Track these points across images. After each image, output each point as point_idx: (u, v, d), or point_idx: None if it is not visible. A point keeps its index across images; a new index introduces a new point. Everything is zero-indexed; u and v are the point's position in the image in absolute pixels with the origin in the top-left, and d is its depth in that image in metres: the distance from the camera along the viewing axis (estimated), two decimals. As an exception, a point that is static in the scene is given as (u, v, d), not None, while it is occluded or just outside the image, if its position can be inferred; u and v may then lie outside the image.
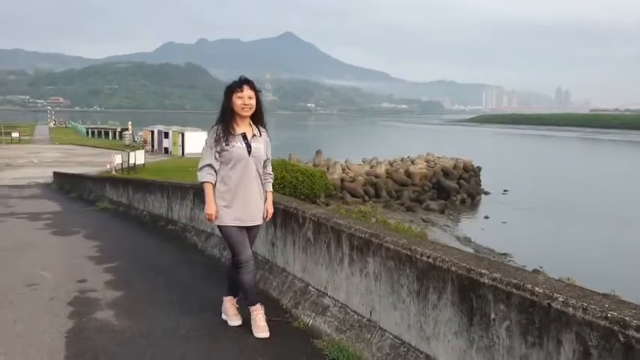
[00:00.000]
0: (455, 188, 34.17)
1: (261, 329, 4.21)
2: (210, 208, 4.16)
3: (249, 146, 4.16)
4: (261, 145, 4.26)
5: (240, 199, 4.18)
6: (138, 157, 33.62)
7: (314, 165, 34.10)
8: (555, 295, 2.50)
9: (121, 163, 32.29)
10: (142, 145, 48.00)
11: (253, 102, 4.17)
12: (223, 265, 6.35)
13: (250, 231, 4.35)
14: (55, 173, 26.56)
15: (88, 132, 75.85)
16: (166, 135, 48.93)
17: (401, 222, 18.71)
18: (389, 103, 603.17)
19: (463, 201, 32.65)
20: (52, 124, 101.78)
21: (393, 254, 3.61)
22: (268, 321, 4.41)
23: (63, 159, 38.58)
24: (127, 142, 55.14)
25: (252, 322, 4.26)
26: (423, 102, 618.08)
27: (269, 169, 4.41)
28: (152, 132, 51.07)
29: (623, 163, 57.04)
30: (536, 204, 30.17)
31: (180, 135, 47.12)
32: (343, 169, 35.73)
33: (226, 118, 4.15)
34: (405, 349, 3.48)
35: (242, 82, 4.14)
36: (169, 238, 8.42)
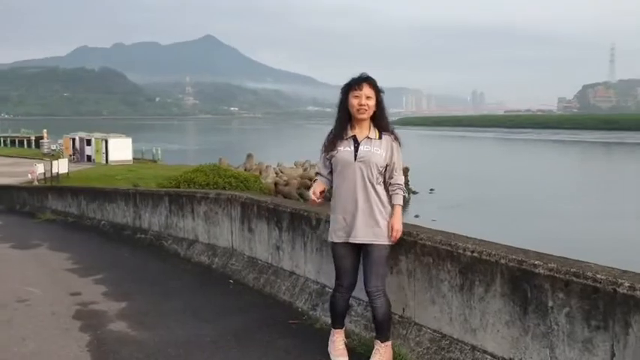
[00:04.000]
0: (385, 189, 35.00)
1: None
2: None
3: (357, 150, 3.61)
4: (379, 149, 3.60)
5: (342, 210, 3.65)
6: (61, 166, 32.28)
7: (245, 169, 33.89)
8: (620, 280, 2.73)
9: (44, 173, 30.89)
10: (69, 154, 45.89)
11: (372, 103, 3.60)
12: (216, 272, 6.31)
13: (365, 252, 3.67)
14: (-30, 186, 24.88)
15: (0, 141, 71.54)
16: (88, 142, 47.15)
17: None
18: (314, 107, 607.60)
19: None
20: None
21: (430, 250, 3.76)
22: (289, 323, 4.45)
23: (-26, 170, 36.16)
24: (46, 151, 52.58)
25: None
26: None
27: (397, 178, 3.68)
28: (73, 139, 48.94)
29: (536, 161, 60.31)
30: (462, 202, 31.42)
31: (103, 142, 45.55)
32: (276, 173, 35.79)
33: (340, 120, 3.69)
34: (448, 342, 3.63)
35: (361, 80, 3.61)
36: (142, 247, 8.20)
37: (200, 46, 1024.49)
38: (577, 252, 4.05)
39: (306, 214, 5.04)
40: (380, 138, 3.64)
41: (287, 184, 33.76)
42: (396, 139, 3.69)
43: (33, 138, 69.65)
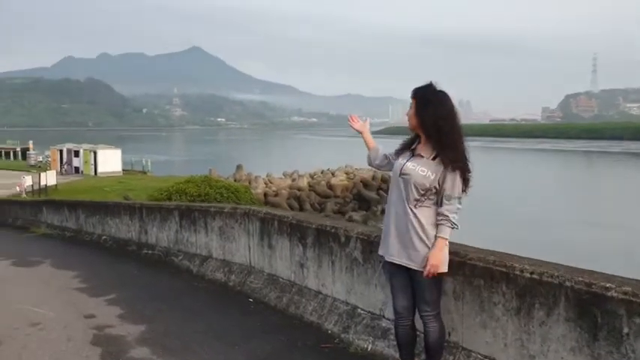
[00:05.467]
0: (375, 199, 34.95)
1: None
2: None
3: (405, 164, 3.41)
4: (425, 169, 3.31)
5: (385, 223, 3.55)
6: (49, 178, 31.88)
7: (235, 180, 33.70)
8: None
9: (32, 185, 30.45)
10: (60, 166, 45.29)
11: (412, 113, 3.42)
12: (233, 290, 6.06)
13: (411, 276, 3.44)
14: (-44, 199, 24.34)
15: (-16, 153, 70.48)
16: (77, 154, 46.48)
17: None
18: (299, 117, 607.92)
19: (384, 211, 33.37)
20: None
21: (482, 272, 3.56)
22: (320, 347, 4.23)
23: (-40, 183, 35.41)
24: (33, 163, 51.90)
25: None
26: (332, 115, 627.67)
27: (445, 208, 3.30)
28: (60, 151, 48.25)
29: (524, 170, 60.58)
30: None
31: (92, 153, 44.98)
32: (266, 184, 35.61)
33: (412, 132, 3.52)
34: (502, 368, 3.43)
35: (413, 91, 3.43)
36: (150, 263, 7.92)
37: (186, 56, 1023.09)
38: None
39: (333, 230, 4.83)
40: (434, 159, 3.34)
41: (276, 194, 33.58)
42: (456, 163, 3.29)
43: (19, 149, 68.79)
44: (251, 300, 5.63)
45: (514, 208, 30.87)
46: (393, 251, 3.43)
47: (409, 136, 3.55)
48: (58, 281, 6.92)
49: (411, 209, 3.34)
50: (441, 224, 3.32)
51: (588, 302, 2.98)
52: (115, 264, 8.23)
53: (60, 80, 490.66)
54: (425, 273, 3.32)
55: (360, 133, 3.87)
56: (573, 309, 3.05)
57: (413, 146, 3.47)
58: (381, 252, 3.57)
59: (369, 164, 3.87)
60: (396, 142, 3.64)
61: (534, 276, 3.25)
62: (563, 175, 54.81)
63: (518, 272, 3.34)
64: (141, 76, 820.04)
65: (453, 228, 3.35)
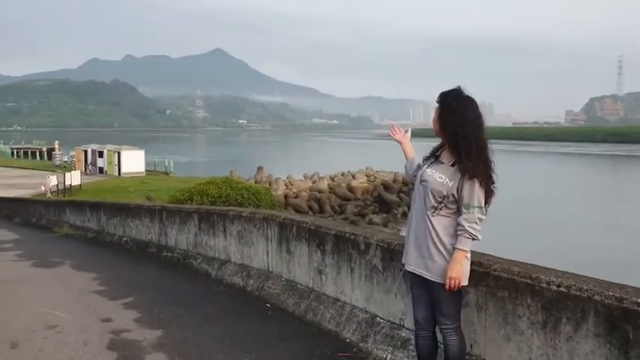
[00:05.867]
0: (396, 201, 34.73)
1: None
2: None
3: (425, 170, 3.33)
4: (443, 176, 3.20)
5: (406, 232, 3.47)
6: (74, 178, 32.28)
7: (256, 181, 33.83)
8: None
9: (57, 185, 30.85)
10: (86, 166, 46.00)
11: (435, 118, 3.32)
12: (251, 295, 5.99)
13: (429, 287, 3.31)
14: (-14, 198, 24.78)
15: (13, 153, 71.84)
16: (101, 154, 47.05)
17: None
18: (320, 119, 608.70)
19: (404, 214, 33.11)
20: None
21: (506, 283, 3.43)
22: (338, 356, 4.14)
23: (-11, 182, 36.08)
24: (58, 163, 52.70)
25: None
26: (352, 117, 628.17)
27: (464, 217, 3.15)
28: (85, 151, 48.90)
29: (549, 173, 59.70)
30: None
31: (116, 154, 45.50)
32: (286, 185, 35.66)
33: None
34: (527, 383, 3.30)
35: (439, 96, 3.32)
36: (169, 266, 7.90)
37: (209, 59, 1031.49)
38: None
39: (352, 237, 4.73)
40: (454, 165, 3.21)
41: (297, 196, 33.58)
42: (474, 170, 3.13)
43: (45, 149, 70.03)
44: (269, 305, 5.56)
45: (540, 213, 30.40)
46: (411, 260, 3.35)
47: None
48: (78, 283, 6.93)
49: (429, 217, 3.22)
50: (459, 235, 3.18)
51: (619, 318, 2.84)
52: (134, 266, 8.24)
53: (85, 82, 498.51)
54: (447, 287, 3.19)
55: (400, 143, 3.74)
56: (603, 324, 2.92)
57: (438, 152, 3.36)
58: (403, 260, 3.48)
59: (406, 175, 3.77)
60: (420, 144, 3.56)
61: (561, 289, 3.12)
62: (589, 179, 53.91)
63: (544, 284, 3.21)
64: (164, 78, 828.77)
65: (472, 239, 3.20)
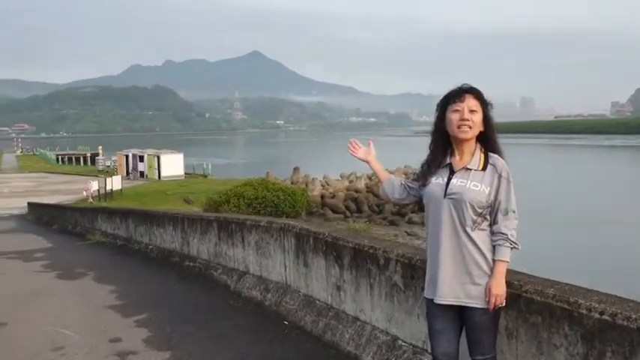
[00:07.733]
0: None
1: None
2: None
3: (449, 182, 2.85)
4: (479, 184, 2.78)
5: (429, 259, 2.95)
6: (115, 183, 32.69)
7: (292, 182, 33.63)
8: None
9: (98, 190, 31.32)
10: (128, 171, 46.88)
11: (476, 118, 2.81)
12: (268, 310, 5.66)
13: (464, 315, 2.87)
14: (29, 204, 25.34)
15: (58, 159, 73.87)
16: (141, 158, 47.83)
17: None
18: (357, 117, 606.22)
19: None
20: (19, 152, 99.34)
21: (540, 307, 2.97)
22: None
23: (35, 188, 37.06)
24: (101, 168, 53.84)
25: None
26: (391, 115, 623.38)
27: (502, 224, 2.78)
28: (126, 156, 49.77)
29: (592, 167, 57.65)
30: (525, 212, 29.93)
31: (156, 158, 46.17)
32: (322, 185, 35.29)
33: (435, 144, 2.95)
34: None
35: (462, 91, 2.84)
36: (190, 277, 7.65)
37: (247, 61, 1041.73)
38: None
39: (371, 251, 4.33)
40: (484, 169, 2.81)
41: (333, 196, 33.19)
42: (504, 169, 2.82)
43: (89, 155, 71.83)
44: (286, 323, 5.21)
45: (589, 208, 29.21)
46: (443, 291, 2.84)
47: (429, 154, 2.98)
48: (96, 297, 6.72)
49: (468, 234, 2.79)
50: (500, 245, 2.79)
51: (676, 354, 2.38)
52: (156, 277, 8.02)
53: (128, 88, 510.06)
54: (489, 305, 2.78)
55: (366, 162, 3.25)
56: (656, 361, 2.45)
57: (447, 161, 2.91)
58: (427, 294, 2.98)
59: (386, 199, 3.26)
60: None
61: (605, 317, 2.65)
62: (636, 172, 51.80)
63: (584, 311, 2.75)
64: (203, 81, 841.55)
65: (512, 248, 2.81)
